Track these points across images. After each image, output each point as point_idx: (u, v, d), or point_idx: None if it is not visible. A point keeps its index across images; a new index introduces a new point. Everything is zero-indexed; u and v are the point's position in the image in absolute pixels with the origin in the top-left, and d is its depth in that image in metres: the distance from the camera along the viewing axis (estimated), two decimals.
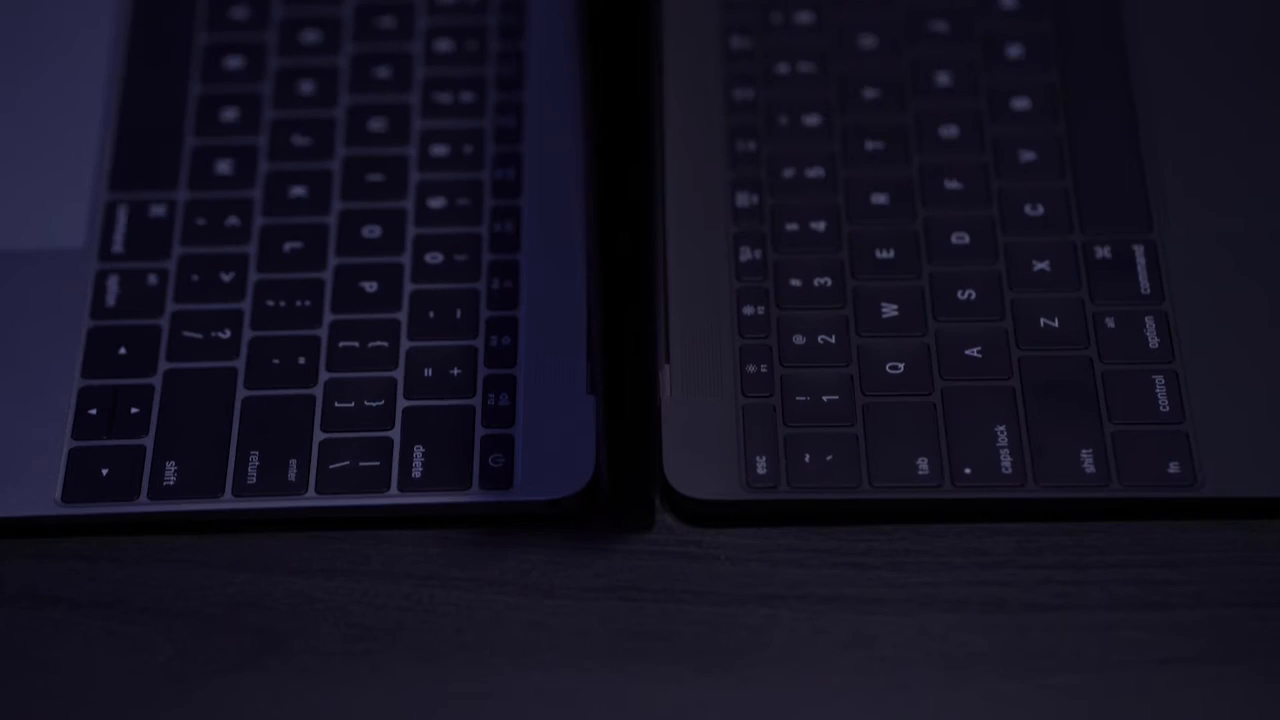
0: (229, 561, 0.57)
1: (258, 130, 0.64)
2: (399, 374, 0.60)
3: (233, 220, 0.62)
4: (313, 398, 0.59)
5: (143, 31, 0.66)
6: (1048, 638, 0.56)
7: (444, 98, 0.65)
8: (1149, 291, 0.60)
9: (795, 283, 0.61)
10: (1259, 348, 0.59)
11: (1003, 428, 0.58)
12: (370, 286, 0.61)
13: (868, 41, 0.65)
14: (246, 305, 0.61)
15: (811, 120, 0.64)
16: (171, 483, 0.58)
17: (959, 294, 0.60)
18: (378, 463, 0.58)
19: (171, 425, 0.59)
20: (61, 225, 0.63)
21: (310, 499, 0.58)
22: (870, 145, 0.63)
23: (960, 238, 0.61)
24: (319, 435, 0.58)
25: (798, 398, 0.59)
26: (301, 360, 0.60)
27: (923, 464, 0.57)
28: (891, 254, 0.61)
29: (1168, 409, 0.58)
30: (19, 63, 0.66)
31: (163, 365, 0.60)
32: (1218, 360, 0.59)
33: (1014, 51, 0.65)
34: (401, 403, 0.59)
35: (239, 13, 0.66)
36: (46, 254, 0.62)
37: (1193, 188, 0.62)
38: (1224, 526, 0.57)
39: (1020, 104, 0.64)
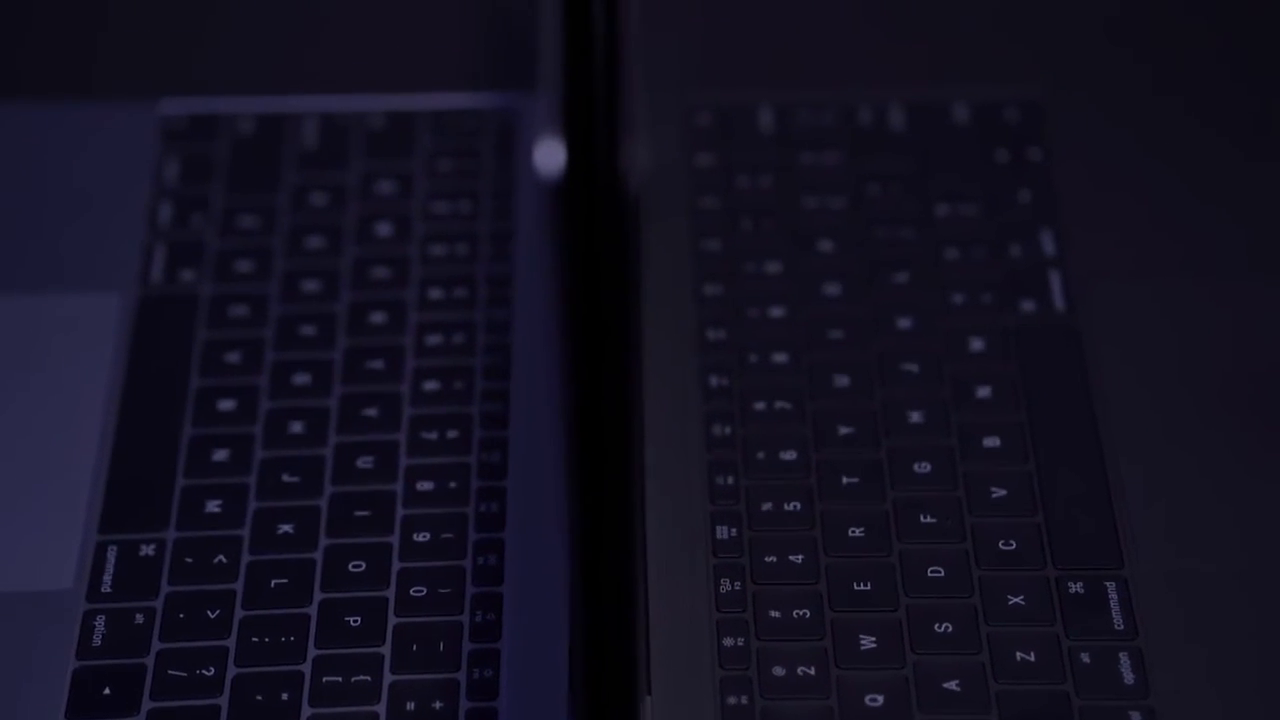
0: None
1: (248, 470, 0.65)
2: (381, 708, 0.60)
3: (220, 558, 0.63)
4: None
5: (138, 376, 0.68)
6: None
7: (430, 435, 0.66)
8: (1123, 627, 0.61)
9: (774, 614, 0.61)
10: (1233, 686, 0.60)
11: None
12: (354, 620, 0.61)
13: (841, 381, 0.67)
14: (231, 642, 0.61)
15: (788, 456, 0.65)
16: None
17: (936, 627, 0.61)
18: None
19: None
20: (51, 567, 0.63)
21: None
22: (845, 480, 0.64)
23: (936, 571, 0.62)
24: None
25: None
26: (285, 696, 0.60)
27: None
28: (868, 586, 0.62)
29: None
30: (15, 409, 0.67)
31: (146, 704, 0.60)
32: (1193, 698, 0.59)
33: (983, 392, 0.66)
34: None
35: (232, 358, 0.68)
36: (35, 596, 0.62)
37: (1161, 526, 0.63)
38: None
39: (990, 442, 0.65)
